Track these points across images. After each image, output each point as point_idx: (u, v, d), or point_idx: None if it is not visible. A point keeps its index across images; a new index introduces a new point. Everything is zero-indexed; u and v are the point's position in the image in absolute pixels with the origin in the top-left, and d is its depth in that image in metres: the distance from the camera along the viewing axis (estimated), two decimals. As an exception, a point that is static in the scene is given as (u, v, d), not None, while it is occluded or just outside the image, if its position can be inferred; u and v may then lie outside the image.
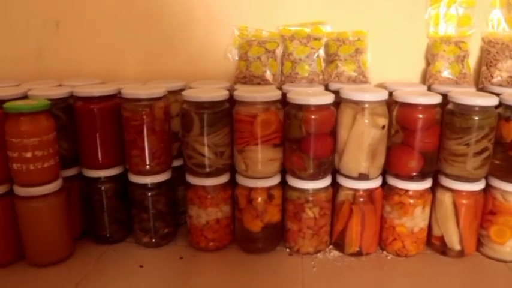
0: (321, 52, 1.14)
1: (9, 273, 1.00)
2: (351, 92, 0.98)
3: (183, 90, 1.10)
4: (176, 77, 1.17)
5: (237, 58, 1.17)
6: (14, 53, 1.26)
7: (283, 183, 1.05)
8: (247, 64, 1.12)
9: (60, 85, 1.14)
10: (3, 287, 0.96)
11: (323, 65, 1.14)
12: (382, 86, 1.09)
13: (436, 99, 0.97)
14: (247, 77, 1.12)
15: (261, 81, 1.11)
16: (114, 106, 1.04)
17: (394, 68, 1.17)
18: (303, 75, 1.11)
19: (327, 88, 1.09)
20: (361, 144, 0.98)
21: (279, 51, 1.13)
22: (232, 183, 1.06)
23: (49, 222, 1.00)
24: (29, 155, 0.95)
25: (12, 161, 0.96)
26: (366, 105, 0.96)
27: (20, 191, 0.98)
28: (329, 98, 0.97)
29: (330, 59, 1.12)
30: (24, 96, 1.04)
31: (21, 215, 1.00)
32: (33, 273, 1.00)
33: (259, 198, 1.02)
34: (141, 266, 1.02)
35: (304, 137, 0.97)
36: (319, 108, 0.97)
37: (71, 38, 1.24)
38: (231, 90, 1.04)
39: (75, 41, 1.24)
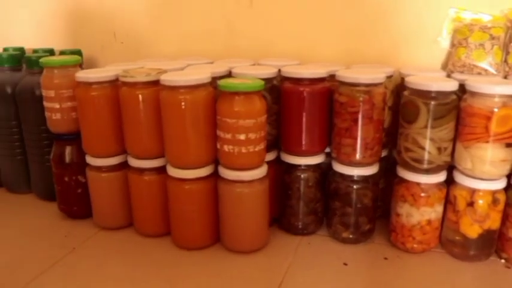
0: (551, 41, 1.00)
1: (206, 256, 0.97)
2: None
3: (391, 76, 1.01)
4: (376, 61, 1.08)
5: (448, 43, 1.06)
6: (205, 29, 1.22)
7: (506, 187, 0.94)
8: (467, 51, 1.00)
9: (254, 64, 1.09)
10: (201, 271, 0.93)
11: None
12: None
13: None
14: (466, 65, 1.00)
15: (482, 71, 1.00)
16: (324, 90, 0.96)
17: None
18: (532, 66, 0.99)
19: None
20: None
21: (502, 38, 1.01)
22: (447, 182, 0.96)
23: (251, 209, 0.95)
24: (242, 137, 0.89)
25: (223, 142, 0.91)
26: None
27: (228, 174, 0.93)
28: None
29: None
30: (228, 74, 1.00)
31: (224, 199, 0.95)
32: (232, 260, 0.96)
33: (482, 202, 0.92)
34: (345, 264, 0.95)
35: (546, 137, 0.86)
36: None
37: (264, 15, 1.17)
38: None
39: (269, 18, 1.17)
